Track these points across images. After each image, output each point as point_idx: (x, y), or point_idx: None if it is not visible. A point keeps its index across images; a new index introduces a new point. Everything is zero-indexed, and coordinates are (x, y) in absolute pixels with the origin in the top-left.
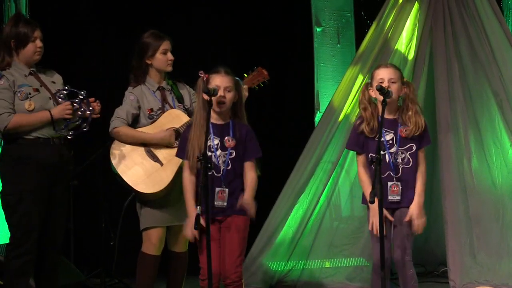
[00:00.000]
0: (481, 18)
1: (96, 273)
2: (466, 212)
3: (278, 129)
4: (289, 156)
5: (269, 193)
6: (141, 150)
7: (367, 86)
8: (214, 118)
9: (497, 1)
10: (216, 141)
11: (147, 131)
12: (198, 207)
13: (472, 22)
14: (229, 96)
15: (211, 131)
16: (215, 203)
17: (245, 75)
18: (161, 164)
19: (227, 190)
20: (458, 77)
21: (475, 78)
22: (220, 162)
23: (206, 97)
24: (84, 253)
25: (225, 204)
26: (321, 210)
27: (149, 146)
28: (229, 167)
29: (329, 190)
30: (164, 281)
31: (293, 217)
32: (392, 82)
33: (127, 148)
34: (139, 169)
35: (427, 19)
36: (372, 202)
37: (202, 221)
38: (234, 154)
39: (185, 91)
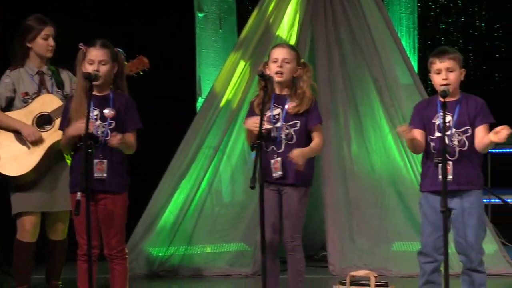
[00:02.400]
0: (361, 5)
1: None
2: (345, 197)
3: (160, 115)
4: (171, 142)
5: (150, 179)
6: (9, 133)
7: (264, 65)
8: (94, 89)
9: None
10: (96, 112)
11: (19, 114)
12: (79, 193)
13: (353, 9)
14: (104, 69)
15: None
16: (94, 174)
17: (125, 63)
18: (28, 147)
19: (105, 161)
20: (338, 64)
21: (355, 64)
22: (99, 132)
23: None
24: None
25: (105, 175)
26: (203, 195)
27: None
28: (108, 137)
29: (211, 176)
30: (44, 267)
31: (175, 202)
32: (286, 62)
33: None
34: (5, 152)
35: (308, 6)
36: (253, 187)
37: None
38: (113, 125)
39: (67, 77)
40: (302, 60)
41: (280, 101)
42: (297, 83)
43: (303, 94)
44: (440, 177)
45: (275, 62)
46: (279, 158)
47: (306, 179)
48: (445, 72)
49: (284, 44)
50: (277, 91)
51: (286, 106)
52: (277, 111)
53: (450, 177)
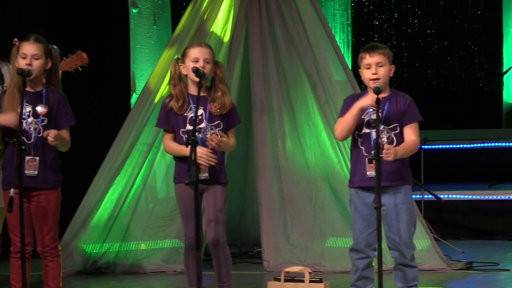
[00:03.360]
0: (295, 1)
1: None
2: (280, 193)
3: (95, 111)
4: (105, 138)
5: (84, 175)
6: None
7: (177, 61)
8: (27, 86)
9: None
10: (28, 109)
11: None
12: (12, 190)
13: (287, 6)
14: (36, 64)
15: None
16: (25, 171)
17: (64, 58)
18: None
19: (37, 158)
20: (273, 60)
21: (290, 60)
22: (32, 129)
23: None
24: None
25: (36, 172)
26: (137, 191)
27: None
28: (40, 134)
29: (145, 172)
30: None
31: (109, 199)
32: (207, 63)
33: None
34: None
35: (242, 2)
36: (188, 183)
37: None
38: (46, 122)
39: (6, 70)
40: (215, 59)
41: (201, 101)
42: (214, 83)
43: (223, 95)
44: (368, 173)
45: (196, 61)
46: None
47: (225, 177)
48: (375, 67)
49: (203, 43)
50: (192, 91)
51: (209, 107)
52: (199, 111)
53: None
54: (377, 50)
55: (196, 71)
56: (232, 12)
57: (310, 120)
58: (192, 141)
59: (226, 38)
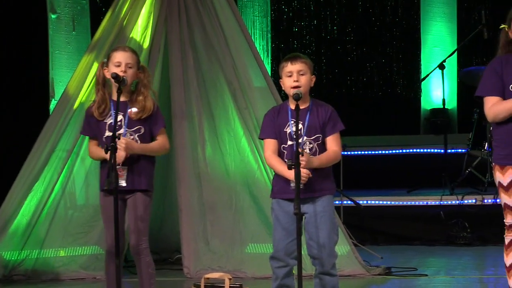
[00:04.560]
0: (215, 8)
1: None
2: (200, 200)
3: (13, 117)
4: (24, 144)
5: (2, 181)
6: None
7: (102, 65)
8: None
9: None
10: None
11: None
12: None
13: (207, 12)
14: None
15: None
16: None
17: None
18: None
19: None
20: (192, 66)
21: (209, 67)
22: None
23: None
24: None
25: None
26: (56, 198)
27: None
28: None
29: (64, 178)
30: None
31: (27, 205)
32: (129, 67)
33: None
34: None
35: (162, 8)
36: (108, 189)
37: None
38: None
39: None
40: (141, 64)
41: (121, 107)
42: (138, 88)
43: (145, 100)
44: (292, 185)
45: (118, 66)
46: (125, 167)
47: (147, 184)
48: (297, 75)
49: (126, 47)
50: (116, 97)
51: (128, 112)
52: (119, 117)
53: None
54: (299, 58)
55: (115, 77)
56: (151, 18)
57: (230, 127)
58: (112, 147)
59: (146, 44)
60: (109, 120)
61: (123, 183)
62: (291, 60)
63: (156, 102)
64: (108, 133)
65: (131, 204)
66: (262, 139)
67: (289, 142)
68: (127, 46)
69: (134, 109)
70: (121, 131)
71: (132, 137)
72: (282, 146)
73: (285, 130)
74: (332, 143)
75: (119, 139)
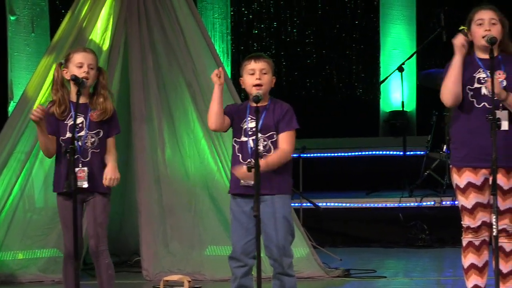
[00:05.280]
0: (175, 10)
1: None
2: (159, 202)
3: None
4: None
5: None
6: None
7: (60, 65)
8: None
9: None
10: None
11: None
12: None
13: (166, 14)
14: None
15: None
16: None
17: None
18: None
19: None
20: (152, 68)
21: (169, 69)
22: None
23: None
24: None
25: None
26: (14, 201)
27: None
28: None
29: (23, 181)
30: None
31: None
32: (91, 68)
33: None
34: None
35: (121, 10)
36: (67, 192)
37: None
38: None
39: None
40: (98, 65)
41: (81, 109)
42: (97, 89)
43: (105, 101)
44: (242, 181)
45: (80, 67)
46: (85, 168)
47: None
48: (259, 73)
49: (87, 48)
50: (74, 98)
51: (89, 114)
52: (79, 119)
53: (252, 182)
54: (262, 58)
55: (74, 79)
56: (111, 20)
57: (189, 129)
58: (71, 150)
59: (105, 46)
60: (70, 122)
61: (84, 184)
62: (254, 59)
63: (114, 104)
64: (69, 134)
65: (90, 206)
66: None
67: (243, 138)
68: (87, 47)
69: (97, 112)
70: (82, 133)
71: (93, 139)
72: (234, 139)
73: (241, 125)
74: (283, 141)
75: (78, 141)
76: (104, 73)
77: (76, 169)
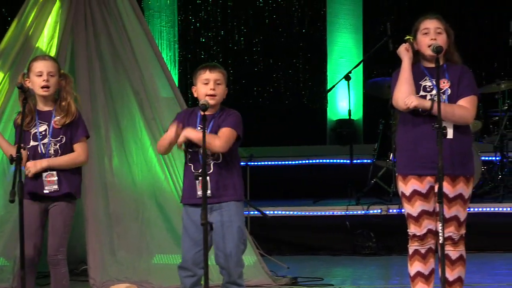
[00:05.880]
0: (122, 17)
1: None
2: (106, 210)
3: None
4: None
5: None
6: None
7: (23, 76)
8: None
9: (138, 1)
10: None
11: None
12: None
13: (113, 22)
14: None
15: None
16: None
17: None
18: None
19: None
20: (99, 76)
21: (116, 77)
22: None
23: None
24: None
25: None
26: None
27: None
28: None
29: None
30: None
31: None
32: (51, 76)
33: None
34: None
35: (68, 18)
36: (12, 201)
37: None
38: None
39: None
40: (62, 71)
41: (45, 116)
42: (61, 95)
43: (68, 105)
44: (198, 192)
45: (40, 75)
46: (53, 172)
47: (73, 194)
48: (213, 84)
49: (46, 56)
50: (41, 107)
51: (53, 121)
52: (43, 127)
53: (208, 192)
54: (218, 68)
55: (20, 87)
56: (58, 28)
57: (137, 137)
58: (17, 158)
59: (52, 54)
60: (33, 130)
61: (54, 187)
62: (209, 68)
63: (80, 108)
64: (33, 143)
65: (53, 213)
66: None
67: (195, 147)
68: (47, 54)
69: (58, 117)
70: (45, 140)
71: (56, 146)
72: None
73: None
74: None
75: (24, 149)
76: (68, 78)
77: (45, 174)
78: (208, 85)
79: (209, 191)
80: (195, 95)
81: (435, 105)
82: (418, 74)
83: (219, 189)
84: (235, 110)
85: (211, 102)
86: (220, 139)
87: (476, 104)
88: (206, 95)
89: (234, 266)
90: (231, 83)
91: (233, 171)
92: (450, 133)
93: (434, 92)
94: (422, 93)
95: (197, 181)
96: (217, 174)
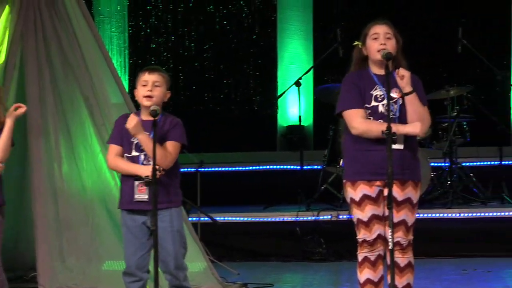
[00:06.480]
0: (72, 23)
1: None
2: (56, 216)
3: None
4: None
5: None
6: None
7: None
8: None
9: (88, 6)
10: None
11: None
12: None
13: (63, 27)
14: None
15: None
16: None
17: None
18: None
19: None
20: (49, 82)
21: (66, 83)
22: None
23: None
24: None
25: None
26: None
27: None
28: None
29: None
30: None
31: None
32: None
33: None
34: None
35: (18, 24)
36: None
37: None
38: None
39: None
40: None
41: None
42: None
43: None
44: (136, 196)
45: None
46: None
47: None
48: (151, 85)
49: None
50: None
51: None
52: None
53: (146, 197)
54: (157, 70)
55: None
56: (7, 34)
57: (86, 143)
58: None
59: (1, 60)
60: None
61: None
62: (149, 71)
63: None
64: None
65: None
66: (109, 144)
67: (134, 153)
68: None
69: None
70: None
71: None
72: (125, 155)
73: (131, 140)
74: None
75: None
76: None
77: None
78: (146, 86)
79: (146, 196)
80: (136, 98)
81: (394, 125)
82: (368, 83)
83: (162, 195)
84: (184, 116)
85: (147, 103)
86: (172, 156)
87: (429, 113)
88: (143, 96)
89: (176, 269)
90: (181, 89)
91: (172, 178)
92: (400, 146)
93: (385, 102)
94: (373, 103)
95: (135, 185)
96: (157, 180)
